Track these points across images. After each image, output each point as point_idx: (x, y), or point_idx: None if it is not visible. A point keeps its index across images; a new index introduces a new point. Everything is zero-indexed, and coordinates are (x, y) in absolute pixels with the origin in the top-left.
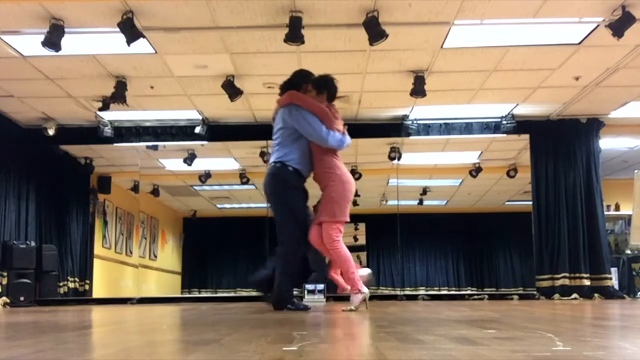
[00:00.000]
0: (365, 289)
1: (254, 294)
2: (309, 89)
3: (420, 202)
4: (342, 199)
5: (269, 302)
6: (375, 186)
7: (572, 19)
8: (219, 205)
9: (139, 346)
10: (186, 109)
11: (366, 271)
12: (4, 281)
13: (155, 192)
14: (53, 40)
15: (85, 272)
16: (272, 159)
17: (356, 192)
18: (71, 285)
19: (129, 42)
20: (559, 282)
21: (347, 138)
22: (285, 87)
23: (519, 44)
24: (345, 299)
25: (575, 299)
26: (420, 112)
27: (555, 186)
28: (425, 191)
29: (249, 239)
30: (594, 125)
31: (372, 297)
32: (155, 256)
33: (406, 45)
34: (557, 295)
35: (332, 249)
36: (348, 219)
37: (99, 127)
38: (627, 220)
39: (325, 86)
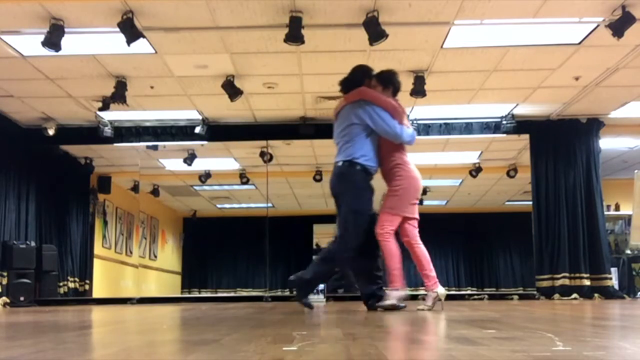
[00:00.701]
0: (440, 289)
1: (253, 293)
2: (373, 85)
3: (420, 202)
4: (406, 194)
5: (303, 304)
6: (375, 186)
7: (572, 19)
8: (219, 205)
9: (139, 346)
10: (186, 109)
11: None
12: (4, 281)
13: (155, 192)
14: (53, 40)
15: (85, 272)
16: (340, 157)
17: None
18: (71, 285)
19: (129, 42)
20: (559, 282)
21: (414, 133)
22: (347, 84)
23: (519, 44)
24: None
25: (575, 299)
26: (420, 112)
27: (555, 186)
28: (425, 191)
29: (249, 239)
30: (594, 125)
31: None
32: (155, 256)
33: (406, 45)
34: (557, 295)
35: (380, 239)
36: (410, 215)
37: (99, 127)
38: (627, 220)
39: (391, 81)
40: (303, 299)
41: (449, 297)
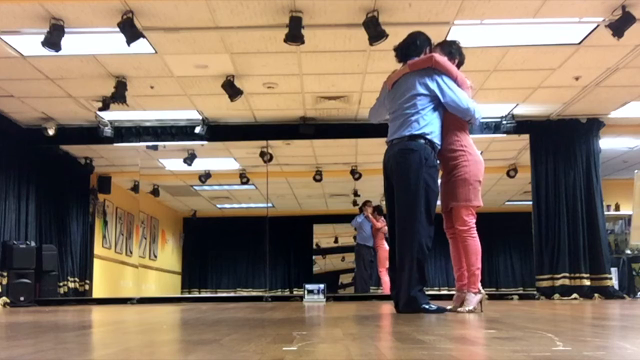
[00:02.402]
0: (482, 289)
1: (253, 293)
2: (439, 54)
3: None
4: (476, 182)
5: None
6: (376, 186)
7: (572, 19)
8: (219, 205)
9: (139, 346)
10: (186, 109)
11: (479, 297)
12: (4, 281)
13: (155, 192)
14: (53, 40)
15: (85, 272)
16: (403, 132)
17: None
18: (71, 285)
19: (129, 42)
20: (559, 282)
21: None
22: (405, 51)
23: (519, 44)
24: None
25: (575, 299)
26: None
27: (555, 186)
28: None
29: (249, 239)
30: (594, 125)
31: (372, 297)
32: (155, 256)
33: None
34: (557, 295)
35: (467, 235)
36: (482, 204)
37: (99, 127)
38: (627, 220)
39: (458, 51)
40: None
41: (449, 297)
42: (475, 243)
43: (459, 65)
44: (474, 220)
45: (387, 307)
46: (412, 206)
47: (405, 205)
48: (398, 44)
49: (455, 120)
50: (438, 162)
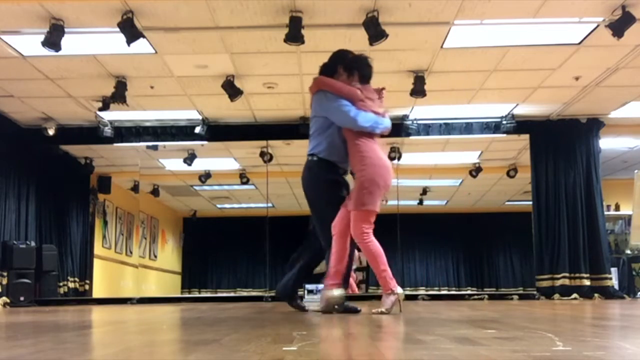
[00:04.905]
0: (399, 289)
1: (253, 293)
2: (340, 72)
3: (420, 202)
4: (372, 185)
5: (296, 307)
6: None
7: (572, 19)
8: (219, 205)
9: (139, 346)
10: (186, 109)
11: (339, 292)
12: (4, 281)
13: (155, 192)
14: (53, 40)
15: (85, 272)
16: (308, 150)
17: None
18: (71, 285)
19: (129, 42)
20: (559, 282)
21: (385, 120)
22: (321, 72)
23: (519, 44)
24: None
25: (575, 299)
26: (420, 112)
27: (555, 186)
28: (425, 191)
29: (249, 239)
30: (594, 125)
31: (372, 297)
32: (155, 256)
33: (406, 45)
34: (557, 295)
35: (360, 242)
36: (378, 209)
37: (99, 127)
38: (627, 220)
39: (356, 67)
40: (293, 302)
41: (449, 297)
42: (370, 247)
43: (362, 79)
44: (368, 226)
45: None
46: (315, 218)
47: (313, 217)
48: (322, 64)
49: (353, 131)
50: (344, 174)
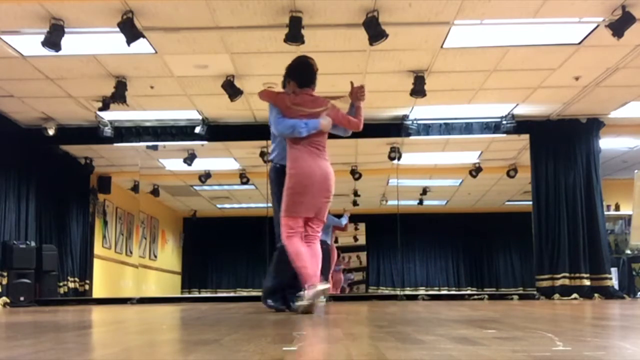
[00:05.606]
0: (322, 285)
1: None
2: (287, 81)
3: (420, 202)
4: (294, 193)
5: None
6: (375, 186)
7: (572, 19)
8: (219, 205)
9: (139, 346)
10: (186, 109)
11: (325, 285)
12: (4, 281)
13: (155, 192)
14: (53, 40)
15: (85, 272)
16: None
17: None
18: (71, 285)
19: (129, 42)
20: (559, 282)
21: (311, 122)
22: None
23: (519, 44)
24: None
25: (575, 299)
26: (420, 112)
27: (555, 186)
28: (425, 191)
29: (249, 239)
30: (594, 125)
31: (372, 297)
32: (155, 256)
33: (406, 45)
34: (557, 295)
35: (283, 242)
36: (303, 215)
37: (99, 127)
38: (627, 220)
39: (291, 74)
40: (275, 304)
41: (449, 297)
42: (289, 248)
43: (300, 84)
44: (291, 231)
45: (388, 307)
46: (275, 213)
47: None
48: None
49: (290, 139)
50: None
